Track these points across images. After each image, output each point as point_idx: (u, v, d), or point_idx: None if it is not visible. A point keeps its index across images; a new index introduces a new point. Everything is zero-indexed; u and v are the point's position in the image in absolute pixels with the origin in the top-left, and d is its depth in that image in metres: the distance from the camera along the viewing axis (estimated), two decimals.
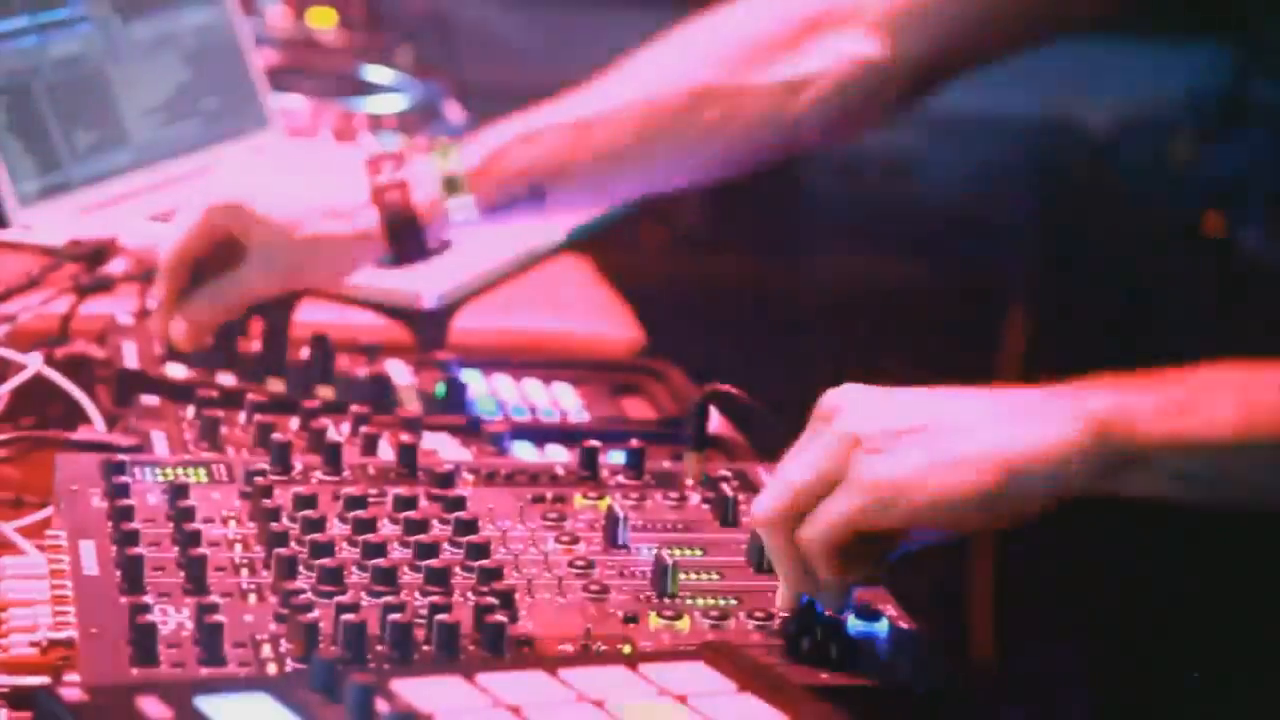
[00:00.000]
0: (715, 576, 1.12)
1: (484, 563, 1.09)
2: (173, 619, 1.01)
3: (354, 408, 1.33)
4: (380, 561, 1.08)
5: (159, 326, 1.38)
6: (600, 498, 1.20)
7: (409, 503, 1.16)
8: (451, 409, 1.39)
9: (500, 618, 1.03)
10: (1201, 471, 1.02)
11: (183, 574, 1.06)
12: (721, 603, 1.09)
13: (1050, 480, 1.01)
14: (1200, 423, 1.01)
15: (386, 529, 1.13)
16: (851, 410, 1.04)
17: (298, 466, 1.20)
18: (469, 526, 1.13)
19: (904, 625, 1.06)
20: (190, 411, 1.31)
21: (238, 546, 1.10)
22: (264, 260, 1.36)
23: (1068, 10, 1.41)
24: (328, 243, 1.36)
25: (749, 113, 1.40)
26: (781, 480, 1.04)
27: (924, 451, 1.01)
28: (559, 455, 1.34)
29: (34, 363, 1.35)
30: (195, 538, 1.08)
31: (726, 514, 1.18)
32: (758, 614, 1.08)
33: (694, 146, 1.40)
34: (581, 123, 1.38)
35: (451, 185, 1.37)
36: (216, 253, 1.37)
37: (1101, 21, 1.50)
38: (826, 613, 1.05)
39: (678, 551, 1.14)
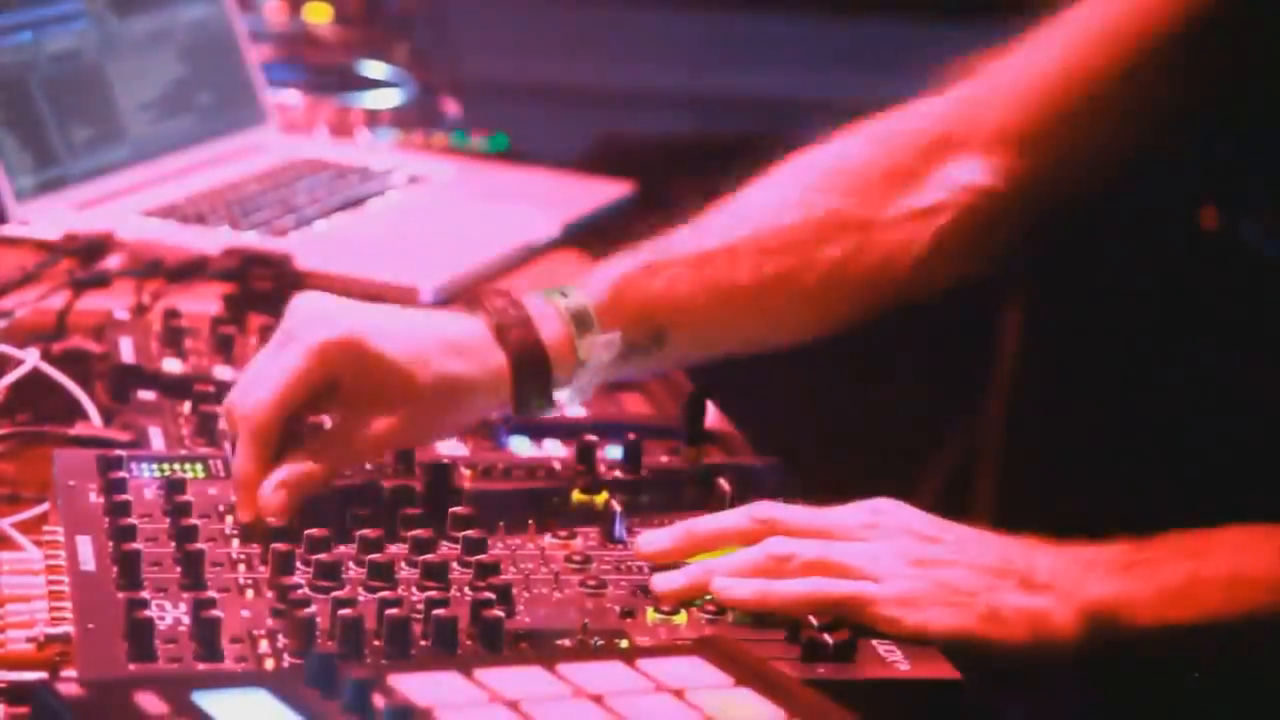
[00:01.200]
0: None
1: (481, 557, 1.09)
2: (170, 614, 1.01)
3: None
4: (377, 556, 1.08)
5: (245, 496, 1.12)
6: (597, 492, 1.20)
7: (406, 498, 1.16)
8: None
9: (497, 613, 1.03)
10: (1192, 652, 1.08)
11: (179, 569, 1.06)
12: None
13: (1058, 651, 1.08)
14: (1192, 614, 1.06)
15: (383, 525, 1.13)
16: (902, 537, 1.11)
17: None
18: (466, 521, 1.13)
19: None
20: (187, 407, 1.31)
21: (234, 542, 1.10)
22: (389, 405, 1.14)
23: (1188, 100, 1.30)
24: (459, 384, 1.16)
25: (878, 246, 1.29)
26: (820, 548, 1.09)
27: (966, 602, 1.07)
28: (556, 450, 1.33)
29: (31, 358, 1.35)
30: (192, 533, 1.08)
31: (723, 508, 1.18)
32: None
33: (818, 284, 1.28)
34: (701, 256, 1.26)
35: (581, 321, 1.21)
36: (310, 399, 1.15)
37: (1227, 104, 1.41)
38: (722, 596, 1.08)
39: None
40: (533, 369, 1.18)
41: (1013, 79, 1.31)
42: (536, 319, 1.19)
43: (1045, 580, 1.08)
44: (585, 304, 1.21)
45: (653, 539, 1.12)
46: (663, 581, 1.09)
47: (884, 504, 1.13)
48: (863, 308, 1.30)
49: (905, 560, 1.08)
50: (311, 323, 1.15)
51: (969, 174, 1.30)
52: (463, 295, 1.24)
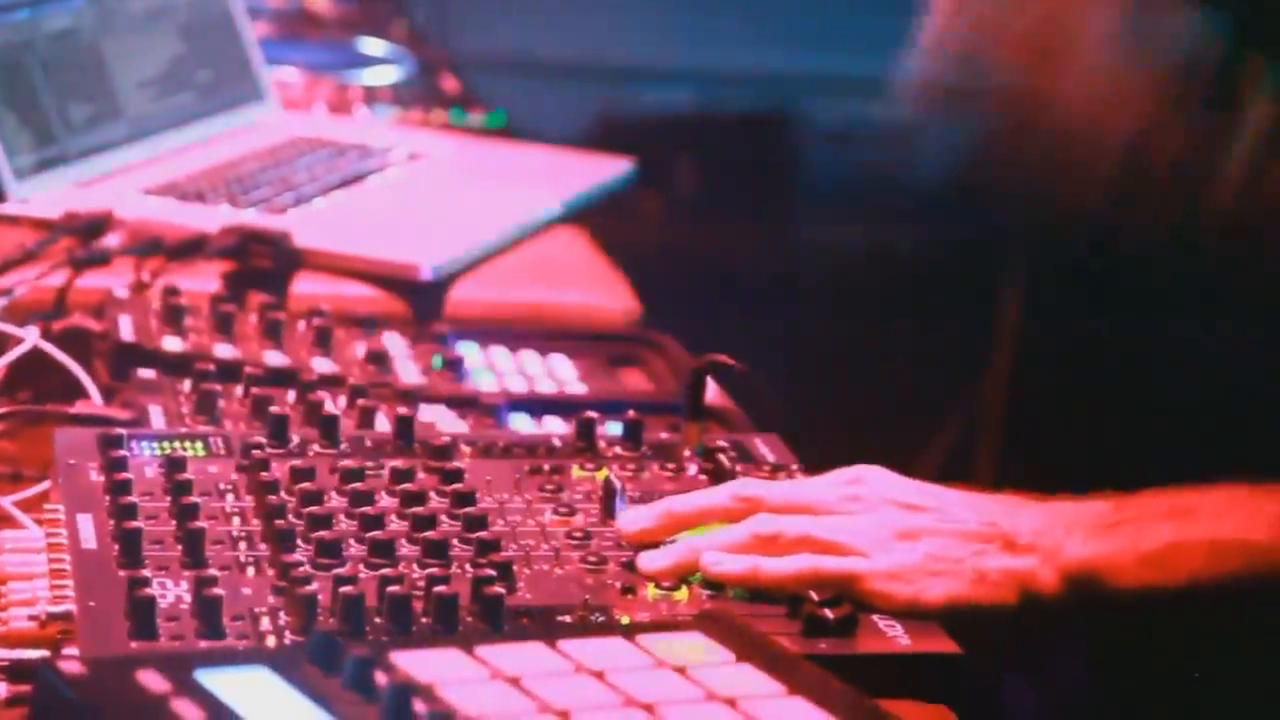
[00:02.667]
0: None
1: (481, 534, 1.09)
2: (171, 592, 1.02)
3: (351, 380, 1.33)
4: (378, 534, 1.08)
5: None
6: (597, 469, 1.20)
7: (406, 475, 1.16)
8: (448, 381, 1.39)
9: (498, 589, 1.03)
10: (1173, 613, 1.08)
11: (180, 547, 1.06)
12: None
13: (1043, 611, 1.08)
14: (1175, 578, 1.06)
15: (384, 501, 1.13)
16: (885, 506, 1.10)
17: (295, 439, 1.20)
18: (466, 498, 1.13)
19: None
20: (187, 385, 1.31)
21: (235, 519, 1.10)
22: None
23: None
24: None
25: None
26: (803, 526, 1.09)
27: (952, 570, 1.07)
28: (556, 427, 1.34)
29: (31, 336, 1.35)
30: (193, 511, 1.08)
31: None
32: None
33: None
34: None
35: None
36: None
37: None
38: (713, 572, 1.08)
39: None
40: None
41: None
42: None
43: (1029, 541, 1.08)
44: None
45: (634, 517, 1.12)
46: (648, 561, 1.09)
47: (864, 472, 1.13)
48: None
49: (891, 532, 1.09)
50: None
51: None
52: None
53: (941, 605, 1.06)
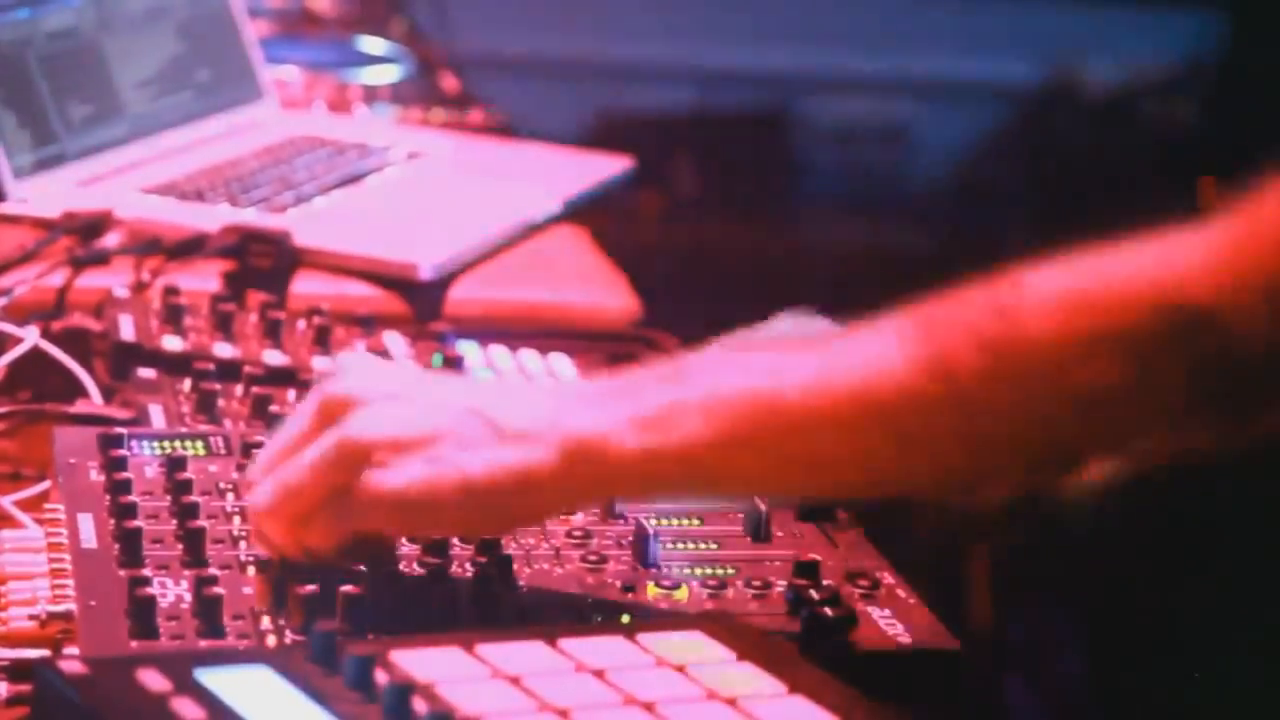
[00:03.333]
0: (713, 546, 1.12)
1: None
2: (171, 591, 1.02)
3: None
4: None
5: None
6: None
7: None
8: None
9: (498, 588, 1.03)
10: (684, 485, 1.01)
11: (181, 547, 1.06)
12: (719, 572, 1.09)
13: (521, 503, 1.01)
14: (674, 439, 0.98)
15: None
16: (359, 407, 1.02)
17: None
18: None
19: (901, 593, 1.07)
20: (187, 384, 1.31)
21: (236, 519, 1.10)
22: None
23: None
24: None
25: None
26: (283, 484, 1.02)
27: (432, 468, 1.00)
28: None
29: (30, 336, 1.35)
30: (193, 510, 1.08)
31: None
32: (755, 583, 1.08)
33: None
34: None
35: None
36: None
37: None
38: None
39: (675, 521, 1.14)
40: None
41: None
42: None
43: (518, 429, 1.00)
44: None
45: (256, 495, 1.05)
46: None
47: (341, 368, 1.05)
48: None
49: (376, 436, 1.00)
50: None
51: None
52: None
53: (408, 507, 1.00)
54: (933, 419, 0.93)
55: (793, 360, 0.97)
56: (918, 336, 0.94)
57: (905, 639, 1.04)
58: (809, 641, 1.02)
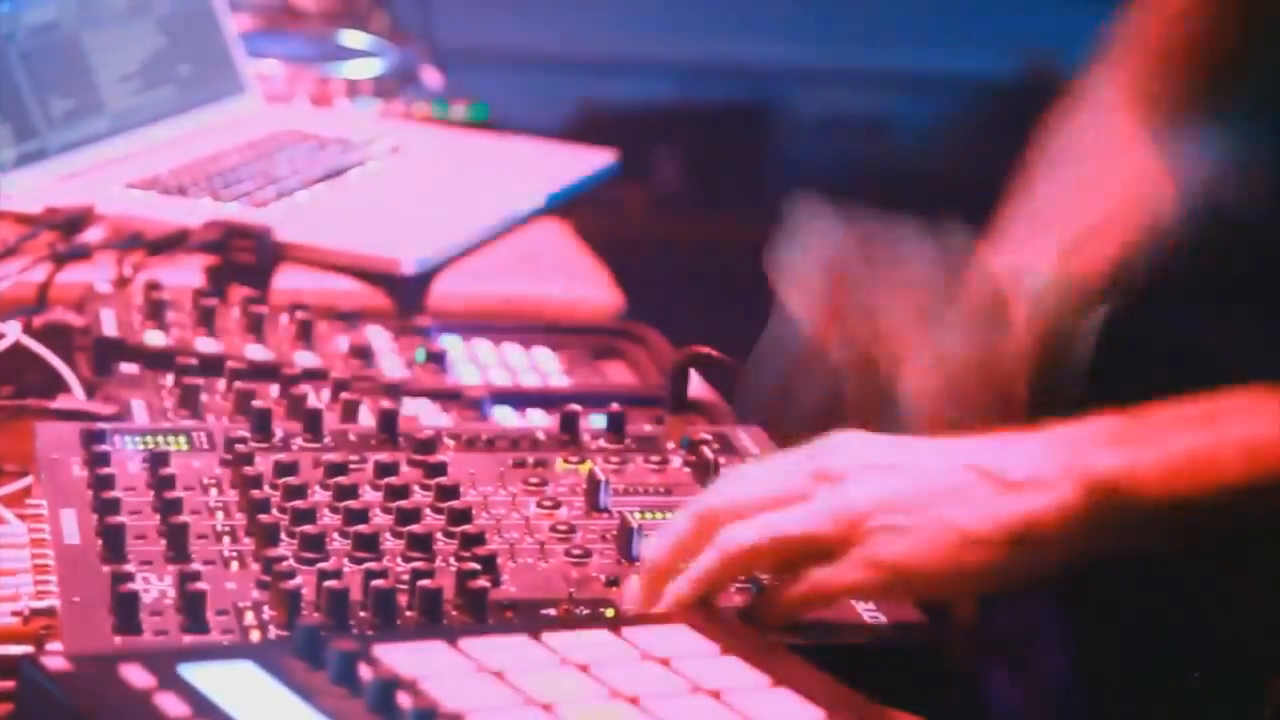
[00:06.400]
0: None
1: (466, 528, 1.09)
2: (155, 587, 1.01)
3: (334, 374, 1.33)
4: (362, 528, 1.08)
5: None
6: (581, 462, 1.20)
7: (390, 469, 1.16)
8: (432, 375, 1.39)
9: (483, 582, 1.03)
10: (1207, 524, 1.00)
11: (164, 542, 1.06)
12: None
13: (1058, 549, 0.99)
14: (1207, 482, 0.97)
15: (368, 495, 1.13)
16: (852, 477, 1.00)
17: (278, 434, 1.20)
18: (450, 492, 1.13)
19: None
20: (170, 379, 1.31)
21: (219, 514, 1.10)
22: None
23: None
24: None
25: None
26: (769, 527, 1.00)
27: (927, 531, 0.98)
28: (540, 420, 1.34)
29: (12, 331, 1.35)
30: (176, 505, 1.08)
31: (708, 477, 1.19)
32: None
33: None
34: None
35: None
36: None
37: None
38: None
39: (659, 515, 1.14)
40: None
41: None
42: None
43: (1023, 477, 0.98)
44: None
45: (631, 597, 1.03)
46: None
47: (829, 442, 1.03)
48: None
49: (868, 503, 0.99)
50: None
51: None
52: None
53: (925, 575, 0.98)
54: None
55: None
56: None
57: (887, 631, 1.04)
58: (792, 634, 1.02)
